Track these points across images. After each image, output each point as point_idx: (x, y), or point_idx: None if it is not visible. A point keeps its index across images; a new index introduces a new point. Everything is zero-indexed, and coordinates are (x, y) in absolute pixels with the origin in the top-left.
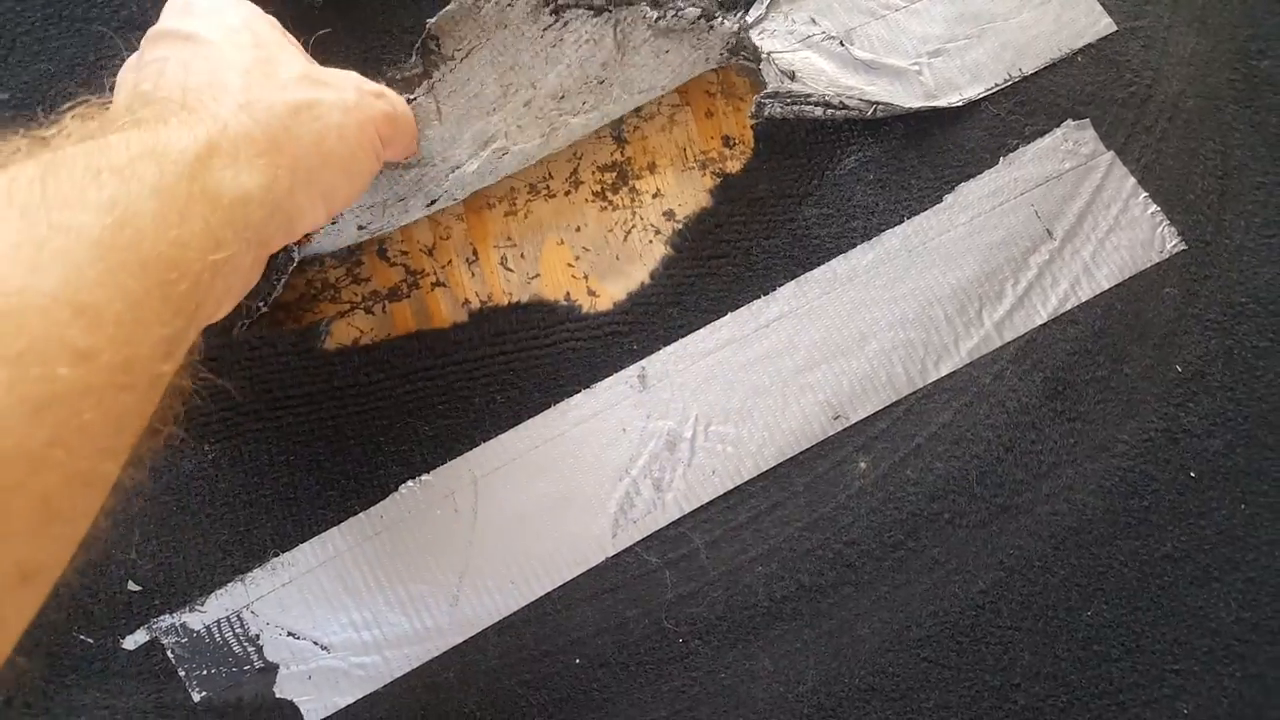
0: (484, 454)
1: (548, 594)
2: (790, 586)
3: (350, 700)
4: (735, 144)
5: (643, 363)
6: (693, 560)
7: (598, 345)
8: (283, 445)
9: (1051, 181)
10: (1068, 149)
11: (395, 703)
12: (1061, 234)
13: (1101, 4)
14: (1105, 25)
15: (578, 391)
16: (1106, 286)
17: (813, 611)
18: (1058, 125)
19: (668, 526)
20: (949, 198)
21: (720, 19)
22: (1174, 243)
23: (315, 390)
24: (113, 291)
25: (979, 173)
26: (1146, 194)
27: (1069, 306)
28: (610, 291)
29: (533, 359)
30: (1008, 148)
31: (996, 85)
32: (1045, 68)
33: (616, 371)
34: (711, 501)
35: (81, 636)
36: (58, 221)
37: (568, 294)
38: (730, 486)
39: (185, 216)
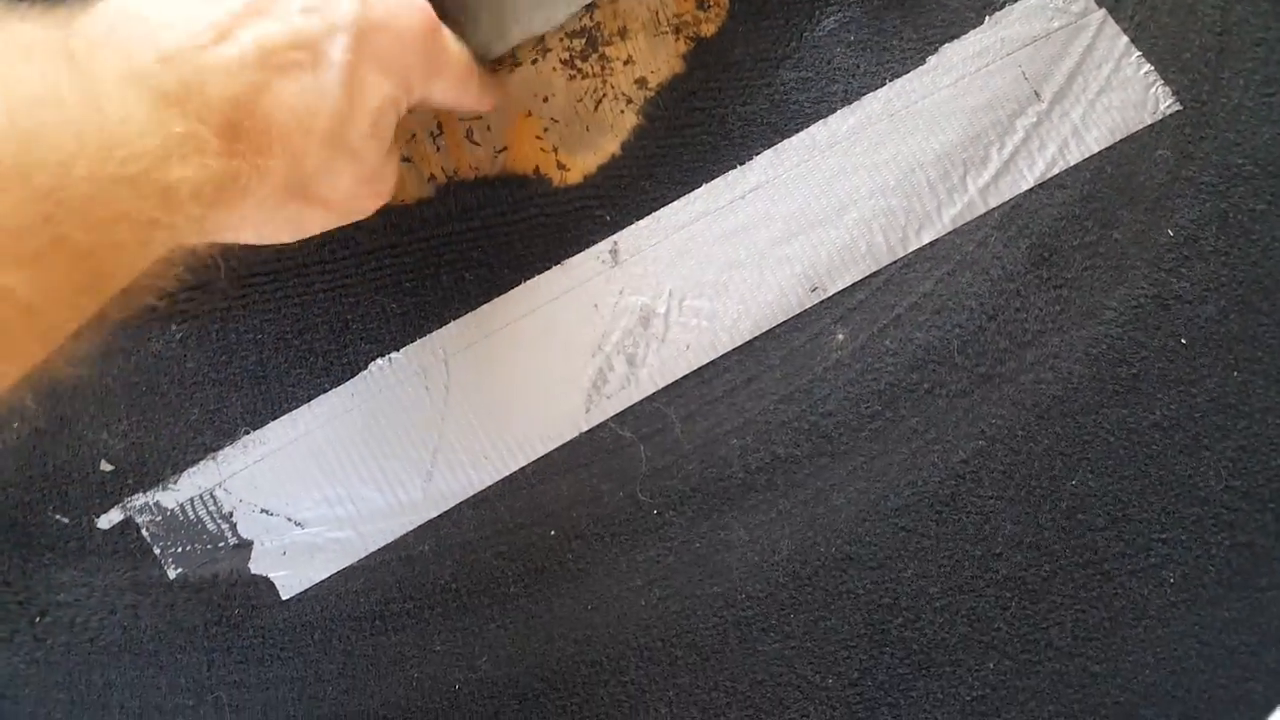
0: (454, 331)
1: (521, 469)
2: (765, 458)
3: (325, 575)
4: (710, 6)
5: (615, 237)
6: (667, 434)
7: (568, 220)
8: (250, 324)
9: (1039, 41)
10: (1057, 6)
11: (370, 576)
12: (1050, 95)
13: None
14: None
15: (549, 268)
16: (1096, 150)
17: (788, 483)
18: None
19: (642, 402)
20: (932, 59)
21: None
22: (1168, 103)
23: (280, 268)
24: None
25: (964, 33)
26: (1140, 53)
27: (1056, 171)
28: (581, 164)
29: (501, 235)
30: (994, 6)
31: None
32: None
33: (588, 247)
34: (686, 377)
35: (57, 517)
36: None
37: (537, 168)
38: (705, 361)
39: None
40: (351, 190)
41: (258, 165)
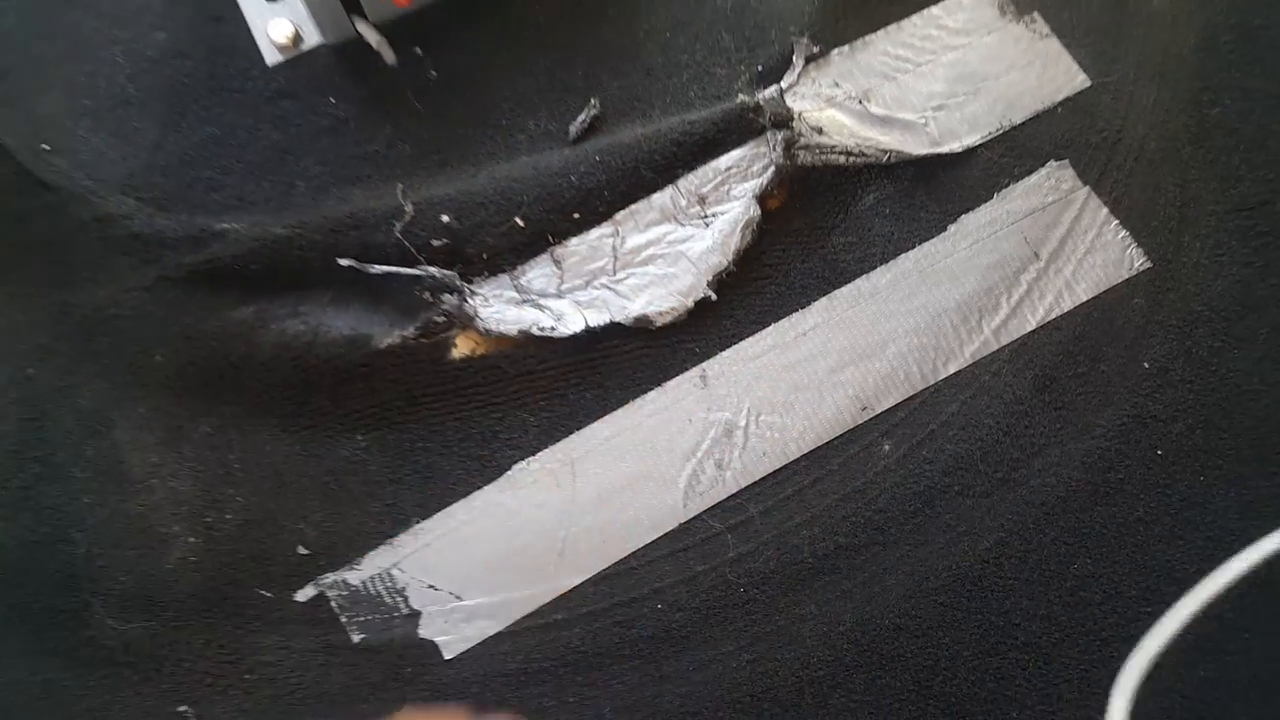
0: (578, 440)
1: (633, 553)
2: (829, 546)
3: (480, 639)
4: (775, 187)
5: (703, 365)
6: (749, 525)
7: (667, 351)
8: (419, 434)
9: (1037, 212)
10: (1050, 185)
11: (515, 640)
12: (1046, 256)
13: (1078, 63)
14: (1081, 81)
15: (651, 389)
16: (1085, 299)
17: (849, 566)
18: (1042, 166)
19: (728, 498)
20: (952, 227)
21: (762, 90)
22: (1140, 261)
23: (445, 390)
24: None
25: (977, 206)
26: (1117, 221)
27: (1054, 315)
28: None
29: (615, 364)
30: (1001, 185)
31: (990, 133)
32: (1031, 118)
33: (682, 372)
34: (763, 478)
35: (262, 592)
36: None
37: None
38: (778, 465)
39: None
40: None
41: None
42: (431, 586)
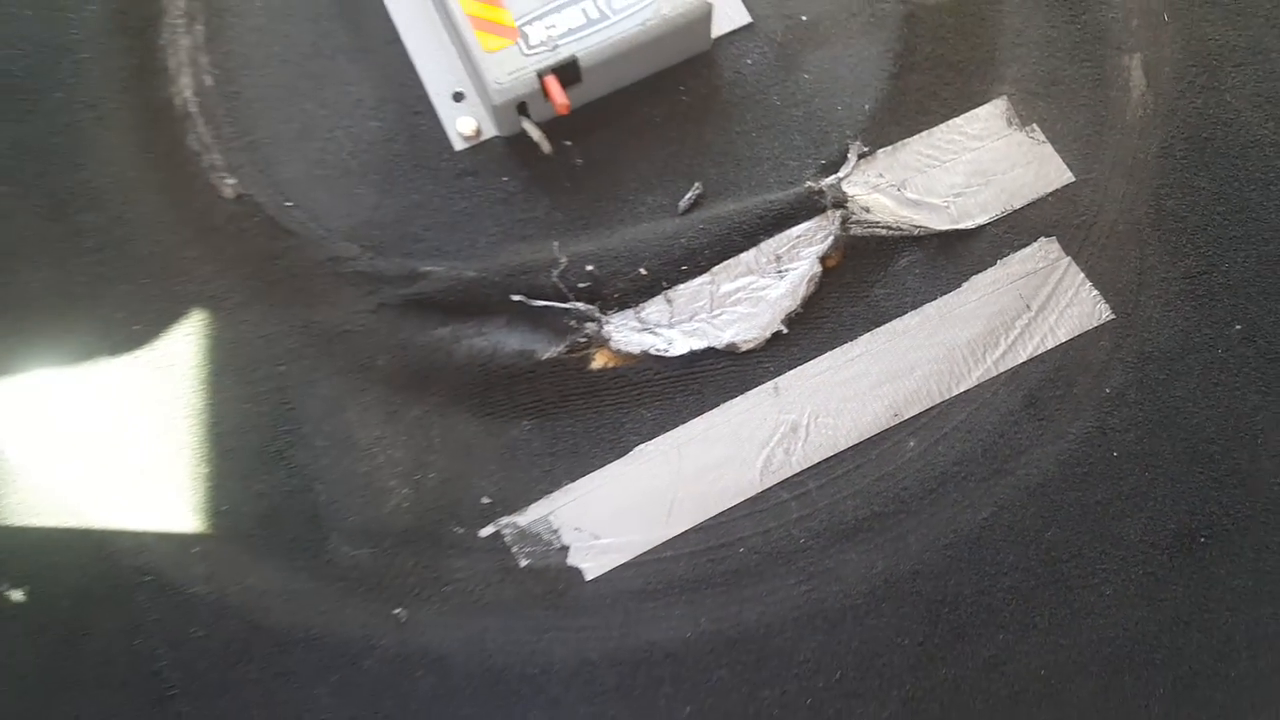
0: (682, 431)
1: (722, 512)
2: (866, 512)
3: (612, 566)
4: (833, 251)
5: (776, 380)
6: (808, 495)
7: (749, 369)
8: (568, 422)
9: (1030, 275)
10: (1041, 255)
11: (637, 568)
12: (1036, 307)
13: (1065, 164)
14: (1067, 177)
15: (737, 396)
16: (1064, 340)
17: (881, 527)
18: (1035, 240)
19: (792, 476)
20: (965, 284)
21: (825, 178)
22: (1107, 314)
23: (585, 391)
24: None
25: (984, 269)
26: (1090, 284)
27: (1040, 351)
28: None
29: (710, 377)
30: (1003, 254)
31: (996, 215)
32: (1028, 204)
33: (759, 385)
34: (819, 462)
35: (455, 529)
36: None
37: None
38: (830, 454)
39: None
40: None
41: None
42: (577, 529)
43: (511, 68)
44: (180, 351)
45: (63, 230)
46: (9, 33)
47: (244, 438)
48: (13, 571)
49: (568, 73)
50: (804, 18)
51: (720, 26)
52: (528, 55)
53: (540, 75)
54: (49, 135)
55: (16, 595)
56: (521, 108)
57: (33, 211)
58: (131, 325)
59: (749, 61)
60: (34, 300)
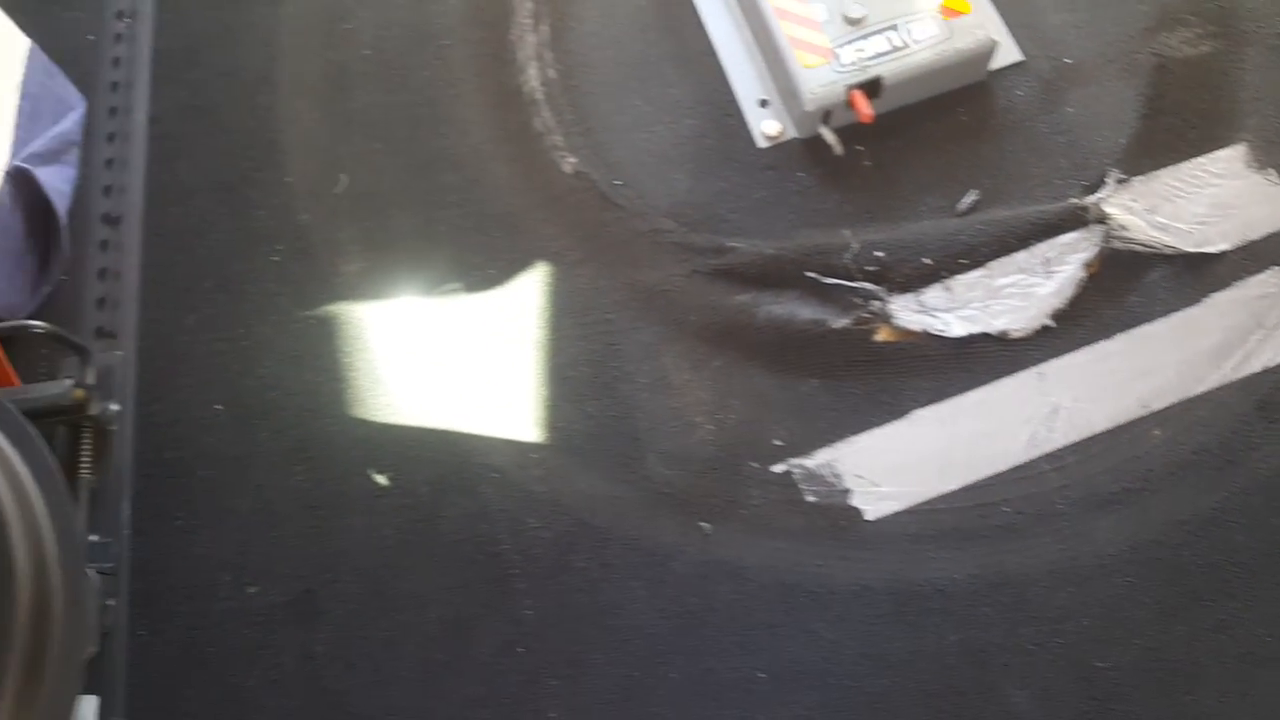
0: (955, 402)
1: (990, 475)
2: (1116, 488)
3: (890, 512)
4: (1094, 260)
5: (1041, 366)
6: (1066, 468)
7: (1019, 355)
8: (853, 385)
9: (1263, 297)
10: (1274, 281)
11: (911, 515)
12: (1269, 325)
13: None
14: None
15: (1006, 377)
16: None
17: (1128, 501)
18: (1268, 268)
19: (1053, 450)
20: (1207, 300)
21: (1088, 197)
22: None
23: (869, 360)
24: None
25: (1224, 289)
26: None
27: (1272, 364)
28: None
29: (982, 358)
30: (1240, 277)
31: (1235, 244)
32: (1264, 236)
33: (1026, 369)
34: (1076, 441)
35: (751, 463)
36: None
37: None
38: (1085, 436)
39: None
40: None
41: None
42: (859, 476)
43: (823, 81)
44: (525, 294)
45: (427, 186)
46: (386, 19)
47: (577, 369)
48: (380, 460)
49: (872, 89)
50: (1069, 60)
51: (996, 61)
52: (839, 72)
53: (849, 89)
54: (415, 106)
55: (381, 480)
56: (824, 116)
57: (402, 168)
58: (486, 269)
59: (1020, 93)
60: (402, 240)
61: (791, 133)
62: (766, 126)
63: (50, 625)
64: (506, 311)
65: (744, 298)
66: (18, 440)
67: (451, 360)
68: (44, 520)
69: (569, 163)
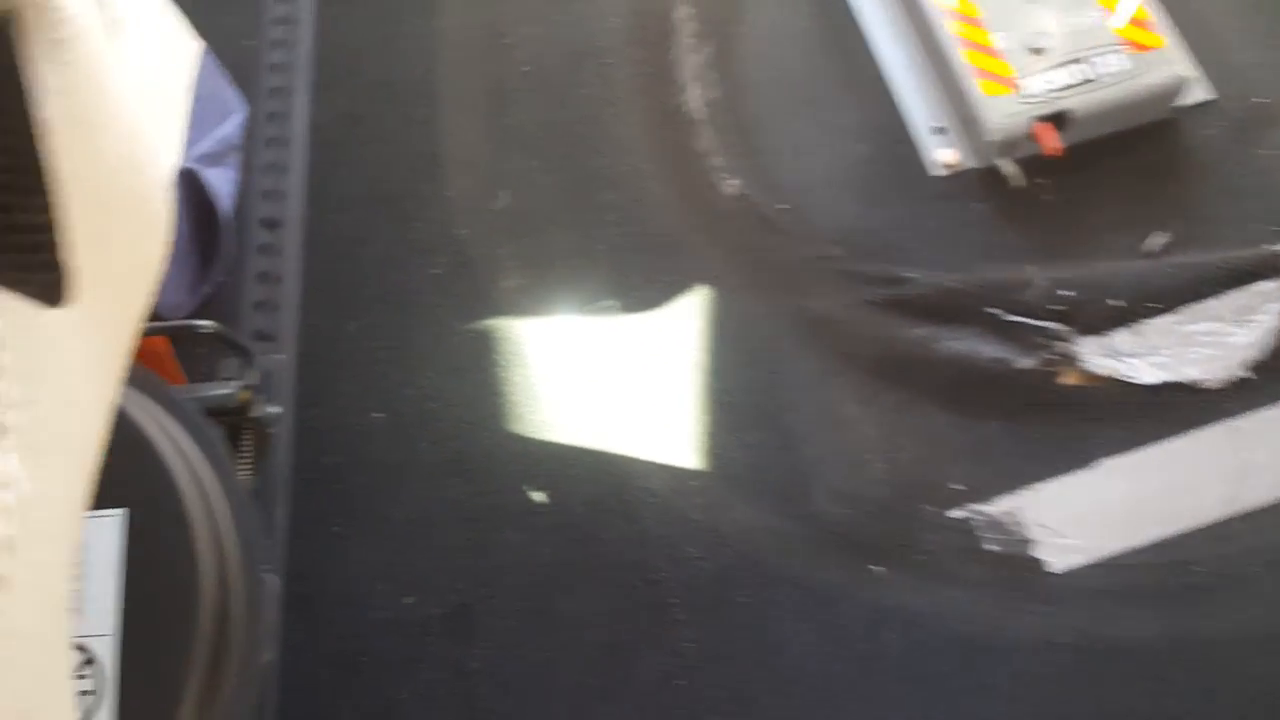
0: (1146, 453)
1: (1182, 531)
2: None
3: (1075, 565)
4: None
5: (1238, 419)
6: (1263, 530)
7: (1212, 405)
8: (1038, 429)
9: None
10: None
11: (1095, 569)
12: None
13: None
14: None
15: (1202, 428)
16: None
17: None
18: None
19: (1246, 510)
20: None
21: None
22: None
23: (1053, 403)
24: None
25: None
26: None
27: None
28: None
29: (1174, 409)
30: None
31: None
32: None
33: (1220, 421)
34: (1271, 502)
35: (925, 506)
36: None
37: (1194, 379)
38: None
39: None
40: None
41: None
42: (1043, 525)
43: (1008, 111)
44: (684, 316)
45: (586, 205)
46: (545, 35)
47: (737, 396)
48: (536, 477)
49: (1059, 122)
50: (1260, 99)
51: (1183, 98)
52: (1024, 103)
53: (1035, 120)
54: (575, 124)
55: (539, 497)
56: (1004, 146)
57: (560, 185)
58: (644, 290)
59: (1210, 132)
60: (560, 258)
61: (969, 162)
62: (942, 154)
63: (231, 630)
64: (665, 333)
65: (921, 331)
66: (199, 440)
67: (608, 380)
68: (225, 523)
69: (731, 185)
